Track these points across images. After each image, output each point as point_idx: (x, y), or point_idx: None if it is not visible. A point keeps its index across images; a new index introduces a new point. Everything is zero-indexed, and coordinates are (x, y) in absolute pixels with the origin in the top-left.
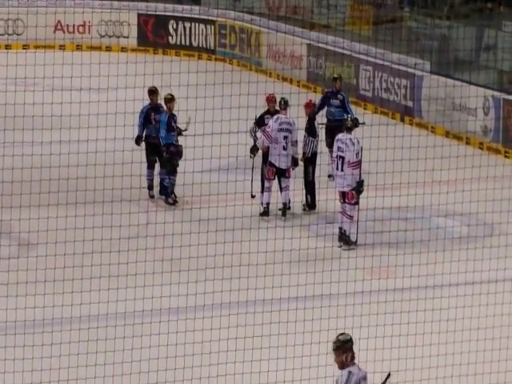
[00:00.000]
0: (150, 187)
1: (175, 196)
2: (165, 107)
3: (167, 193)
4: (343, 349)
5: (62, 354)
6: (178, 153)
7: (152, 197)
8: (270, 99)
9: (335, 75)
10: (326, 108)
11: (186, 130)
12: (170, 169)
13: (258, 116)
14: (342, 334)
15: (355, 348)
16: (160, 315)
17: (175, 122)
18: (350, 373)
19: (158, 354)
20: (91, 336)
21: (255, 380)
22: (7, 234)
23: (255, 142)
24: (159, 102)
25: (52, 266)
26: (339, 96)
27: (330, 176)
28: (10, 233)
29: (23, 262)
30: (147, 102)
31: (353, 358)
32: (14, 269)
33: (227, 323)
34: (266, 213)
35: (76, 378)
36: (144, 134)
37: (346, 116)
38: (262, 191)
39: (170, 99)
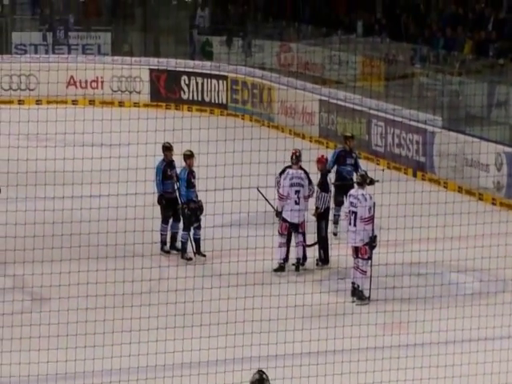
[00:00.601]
0: (164, 242)
1: (198, 252)
2: (183, 163)
3: (184, 248)
4: None
5: None
6: (199, 208)
7: (167, 252)
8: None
9: (348, 134)
10: (336, 167)
11: None
12: (188, 225)
13: (282, 168)
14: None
15: None
16: (173, 370)
17: (194, 178)
18: None
19: None
20: None
21: None
22: (20, 288)
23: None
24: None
25: (65, 320)
26: (353, 155)
27: (335, 234)
28: (23, 287)
29: (36, 317)
30: (159, 157)
31: None
32: (27, 323)
33: (240, 378)
34: (281, 268)
35: None
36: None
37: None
38: (277, 248)
39: (189, 156)
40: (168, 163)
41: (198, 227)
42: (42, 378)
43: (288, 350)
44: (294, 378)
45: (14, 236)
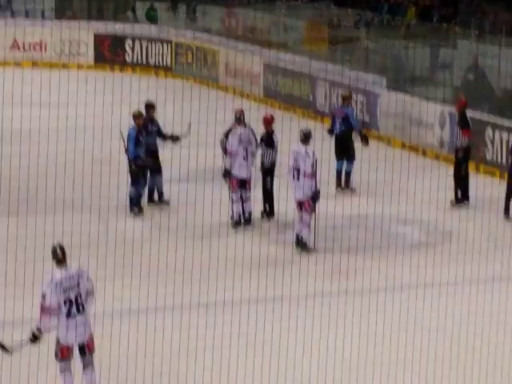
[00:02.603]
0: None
1: (141, 208)
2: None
3: (137, 202)
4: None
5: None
6: (146, 165)
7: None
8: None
9: (345, 94)
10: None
11: (184, 136)
12: (133, 181)
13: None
14: None
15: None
16: (112, 317)
17: (143, 136)
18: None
19: (118, 354)
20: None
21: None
22: None
23: (226, 153)
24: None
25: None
26: None
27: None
28: None
29: None
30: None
31: (59, 263)
32: None
33: (179, 324)
34: (238, 223)
35: None
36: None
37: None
38: (232, 204)
39: (138, 116)
40: (150, 119)
41: (145, 183)
42: None
43: (228, 298)
44: (251, 321)
45: None
